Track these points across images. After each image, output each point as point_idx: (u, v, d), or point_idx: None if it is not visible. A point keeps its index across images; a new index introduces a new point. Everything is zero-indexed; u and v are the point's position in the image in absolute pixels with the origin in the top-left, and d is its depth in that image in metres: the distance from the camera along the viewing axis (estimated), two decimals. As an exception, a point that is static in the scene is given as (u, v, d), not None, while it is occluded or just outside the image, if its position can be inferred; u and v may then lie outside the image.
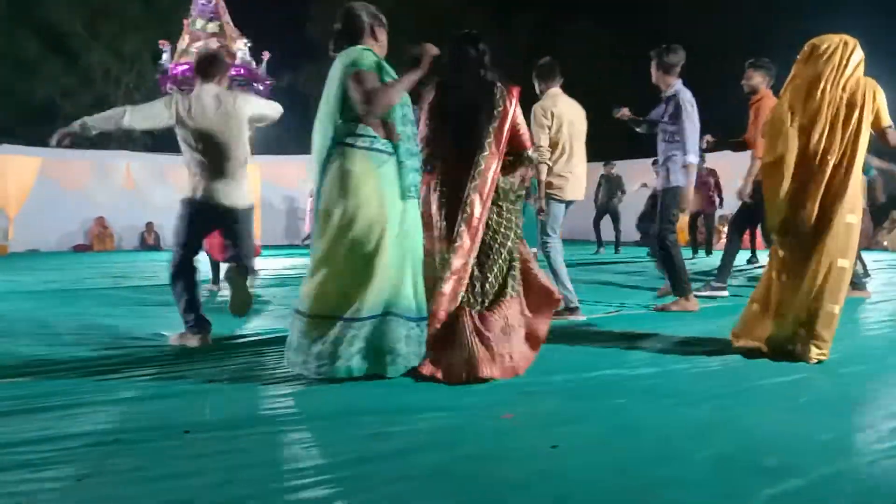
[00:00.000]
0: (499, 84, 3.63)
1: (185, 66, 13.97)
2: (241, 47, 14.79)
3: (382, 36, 3.49)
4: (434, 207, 3.60)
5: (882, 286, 7.02)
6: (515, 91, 3.65)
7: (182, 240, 4.24)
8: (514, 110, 3.61)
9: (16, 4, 22.19)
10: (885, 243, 13.68)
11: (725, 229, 14.03)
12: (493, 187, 3.53)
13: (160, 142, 20.17)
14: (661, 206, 5.59)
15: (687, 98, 5.39)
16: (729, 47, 16.68)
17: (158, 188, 17.12)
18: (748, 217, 6.67)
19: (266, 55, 15.28)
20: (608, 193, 13.52)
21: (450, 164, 3.59)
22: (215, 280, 7.47)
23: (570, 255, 12.51)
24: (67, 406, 2.88)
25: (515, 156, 3.69)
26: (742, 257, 11.34)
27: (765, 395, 2.98)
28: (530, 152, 3.76)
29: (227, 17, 15.26)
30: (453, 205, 3.52)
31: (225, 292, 5.40)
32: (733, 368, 3.45)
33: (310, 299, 3.22)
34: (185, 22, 15.33)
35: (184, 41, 15.03)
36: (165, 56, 15.03)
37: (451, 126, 3.61)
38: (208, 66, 4.38)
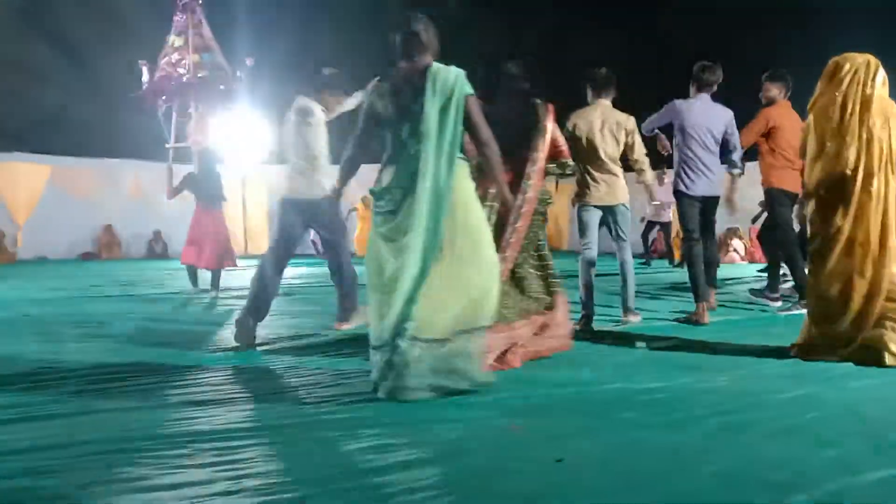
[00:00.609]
0: (538, 101, 4.03)
1: (161, 80, 14.80)
2: (206, 58, 15.20)
3: None
4: None
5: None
6: (551, 107, 4.08)
7: None
8: (553, 125, 4.07)
9: (25, 12, 22.35)
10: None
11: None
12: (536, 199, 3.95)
13: (167, 151, 20.26)
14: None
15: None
16: (739, 55, 16.65)
17: (165, 197, 17.16)
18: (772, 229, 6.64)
19: (249, 61, 15.52)
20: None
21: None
22: (214, 285, 8.02)
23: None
24: (72, 414, 2.88)
25: (558, 165, 4.22)
26: (748, 268, 11.37)
27: (771, 410, 2.95)
28: (570, 161, 4.31)
29: (202, 29, 15.69)
30: (500, 214, 3.86)
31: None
32: (739, 383, 3.43)
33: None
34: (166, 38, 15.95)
35: (160, 57, 15.71)
36: (145, 76, 15.49)
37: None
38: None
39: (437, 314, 3.10)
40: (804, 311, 5.97)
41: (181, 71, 14.92)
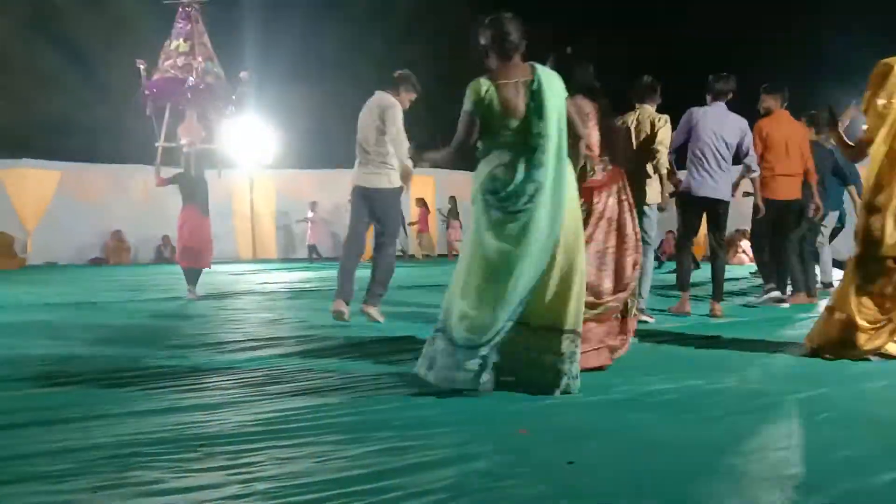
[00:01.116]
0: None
1: (161, 82, 15.06)
2: (210, 66, 15.59)
3: None
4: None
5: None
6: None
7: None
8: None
9: (34, 18, 22.48)
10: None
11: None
12: None
13: (176, 156, 20.32)
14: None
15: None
16: (744, 59, 16.63)
17: (175, 201, 17.20)
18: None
19: (244, 75, 15.86)
20: None
21: None
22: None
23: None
24: (84, 418, 2.89)
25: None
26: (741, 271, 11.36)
27: (782, 411, 2.95)
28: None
29: (203, 39, 15.91)
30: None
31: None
32: (749, 384, 3.42)
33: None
34: (165, 43, 16.12)
35: (161, 59, 15.79)
36: (143, 75, 15.67)
37: None
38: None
39: (545, 312, 3.20)
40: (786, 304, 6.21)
41: (188, 76, 15.16)
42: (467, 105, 3.30)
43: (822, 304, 6.72)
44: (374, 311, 5.55)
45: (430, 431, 2.67)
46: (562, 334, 3.19)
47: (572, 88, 3.53)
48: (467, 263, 3.29)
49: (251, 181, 18.09)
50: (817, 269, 7.91)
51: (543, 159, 3.14)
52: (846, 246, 14.08)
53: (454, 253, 17.90)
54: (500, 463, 2.32)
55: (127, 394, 3.33)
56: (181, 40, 15.58)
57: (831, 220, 8.10)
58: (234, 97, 15.82)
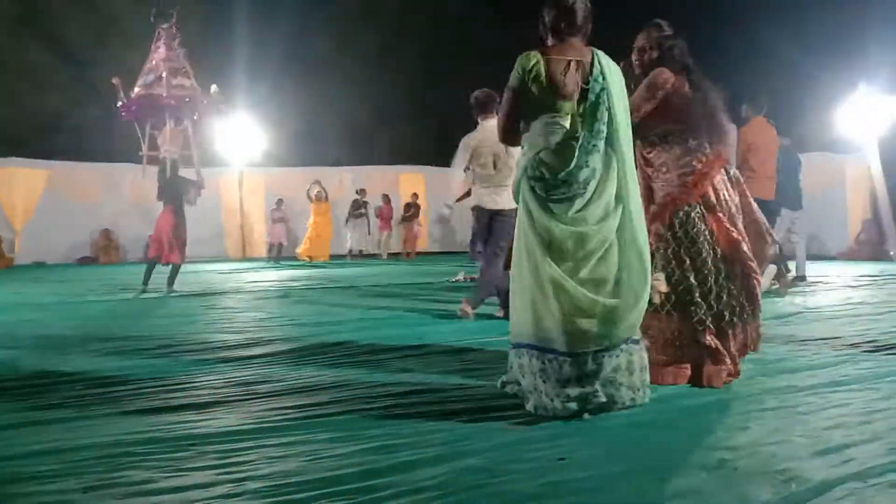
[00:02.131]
0: None
1: (136, 99, 16.28)
2: (182, 80, 16.55)
3: None
4: None
5: (888, 297, 6.99)
6: None
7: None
8: None
9: (23, 16, 22.34)
10: (893, 253, 13.61)
11: None
12: None
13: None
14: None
15: None
16: (728, 52, 16.68)
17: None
18: None
19: (214, 88, 16.81)
20: None
21: None
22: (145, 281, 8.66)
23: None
24: (74, 418, 2.89)
25: None
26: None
27: (770, 406, 2.96)
28: None
29: (178, 54, 16.82)
30: None
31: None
32: (738, 379, 3.44)
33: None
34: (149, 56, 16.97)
35: (140, 77, 16.66)
36: (120, 92, 16.54)
37: None
38: (488, 102, 5.55)
39: (621, 318, 2.86)
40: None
41: (158, 91, 16.34)
42: (513, 80, 3.00)
43: (799, 297, 6.80)
44: (471, 311, 5.70)
45: (422, 429, 2.67)
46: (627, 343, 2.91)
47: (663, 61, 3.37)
48: (531, 262, 2.93)
49: (240, 179, 18.02)
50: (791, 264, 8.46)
51: (599, 145, 2.89)
52: (835, 240, 14.19)
53: (408, 252, 17.91)
54: (492, 460, 2.32)
55: (117, 393, 3.31)
56: (155, 61, 16.58)
57: (804, 217, 8.71)
58: (205, 102, 16.74)
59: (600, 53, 3.00)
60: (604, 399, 2.79)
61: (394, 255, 17.87)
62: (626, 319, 2.85)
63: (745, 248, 3.38)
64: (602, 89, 2.91)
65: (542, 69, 2.91)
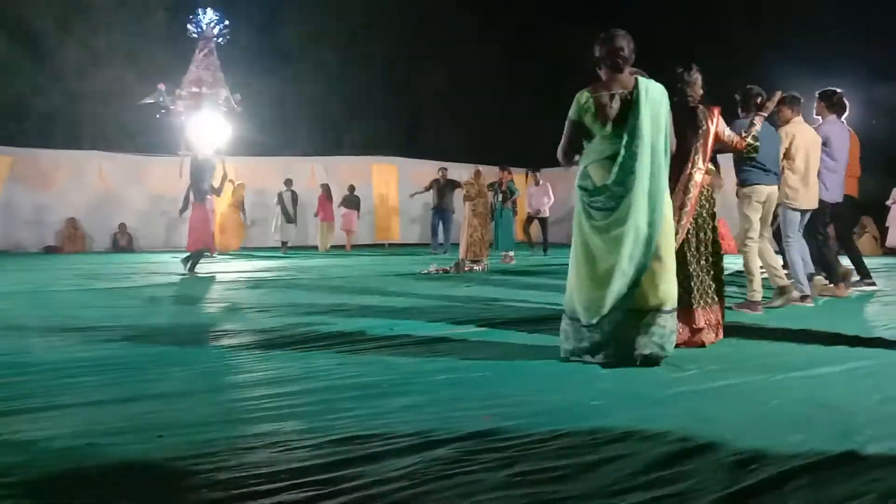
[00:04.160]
0: (700, 106, 4.38)
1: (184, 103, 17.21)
2: (217, 90, 17.61)
3: None
4: None
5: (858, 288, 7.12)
6: (717, 110, 4.46)
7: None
8: (716, 127, 4.42)
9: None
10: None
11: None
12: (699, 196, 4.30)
13: (134, 142, 19.97)
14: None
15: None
16: (717, 55, 16.85)
17: (132, 189, 16.93)
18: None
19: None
20: None
21: None
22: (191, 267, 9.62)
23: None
24: (39, 409, 2.84)
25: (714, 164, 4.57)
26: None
27: (737, 397, 3.01)
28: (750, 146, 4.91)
29: (215, 65, 17.73)
30: None
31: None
32: (706, 369, 3.49)
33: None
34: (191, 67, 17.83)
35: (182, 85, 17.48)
36: (161, 96, 17.07)
37: None
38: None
39: (647, 292, 3.60)
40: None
41: (199, 98, 17.40)
42: (571, 114, 3.71)
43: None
44: None
45: (392, 420, 2.67)
46: (657, 313, 3.59)
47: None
48: (576, 254, 3.72)
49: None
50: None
51: (634, 165, 3.50)
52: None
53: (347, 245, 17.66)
54: (464, 450, 2.33)
55: (82, 384, 3.26)
56: (198, 69, 17.54)
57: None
58: (237, 109, 17.64)
59: (643, 80, 3.62)
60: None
61: (336, 248, 17.48)
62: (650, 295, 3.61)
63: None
64: (640, 114, 3.53)
65: (592, 104, 3.62)
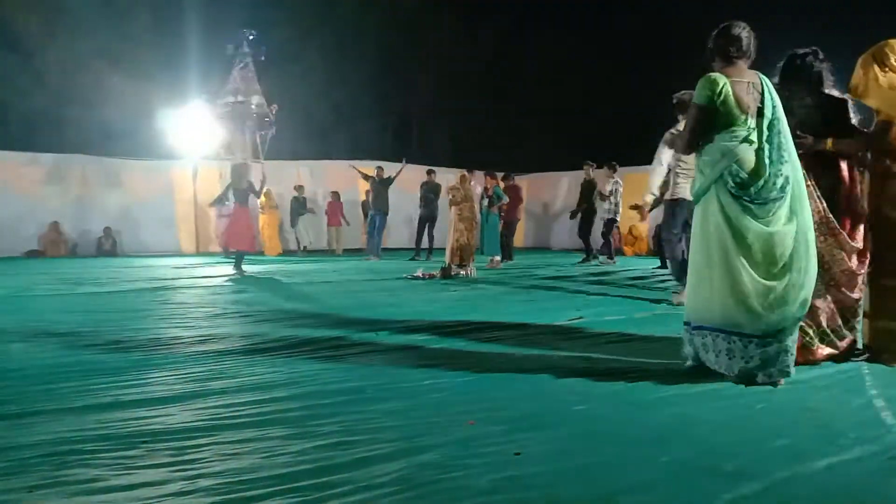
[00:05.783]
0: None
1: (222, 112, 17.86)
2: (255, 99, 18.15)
3: None
4: None
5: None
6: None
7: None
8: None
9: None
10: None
11: None
12: None
13: (116, 146, 19.81)
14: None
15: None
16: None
17: (114, 193, 16.81)
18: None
19: (273, 108, 17.94)
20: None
21: None
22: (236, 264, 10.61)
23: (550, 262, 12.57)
24: (20, 415, 2.81)
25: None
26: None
27: (722, 402, 3.02)
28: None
29: (254, 78, 18.28)
30: None
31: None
32: (692, 375, 3.50)
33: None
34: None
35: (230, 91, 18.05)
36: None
37: None
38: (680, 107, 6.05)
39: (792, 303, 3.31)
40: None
41: (243, 106, 17.84)
42: (702, 99, 3.41)
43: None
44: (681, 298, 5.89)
45: (378, 425, 2.66)
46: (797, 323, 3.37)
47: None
48: (722, 255, 3.36)
49: (195, 172, 17.70)
50: None
51: (785, 155, 3.35)
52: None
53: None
54: (449, 455, 2.33)
55: (65, 390, 3.23)
56: (236, 81, 18.04)
57: None
58: (272, 118, 18.03)
59: (763, 76, 3.48)
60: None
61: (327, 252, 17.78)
62: (795, 304, 3.29)
63: None
64: (774, 107, 3.40)
65: (730, 90, 3.36)
